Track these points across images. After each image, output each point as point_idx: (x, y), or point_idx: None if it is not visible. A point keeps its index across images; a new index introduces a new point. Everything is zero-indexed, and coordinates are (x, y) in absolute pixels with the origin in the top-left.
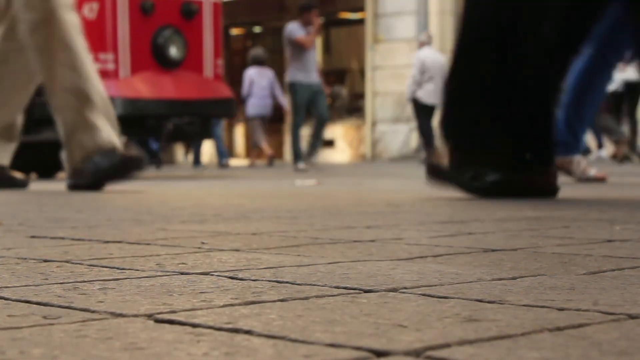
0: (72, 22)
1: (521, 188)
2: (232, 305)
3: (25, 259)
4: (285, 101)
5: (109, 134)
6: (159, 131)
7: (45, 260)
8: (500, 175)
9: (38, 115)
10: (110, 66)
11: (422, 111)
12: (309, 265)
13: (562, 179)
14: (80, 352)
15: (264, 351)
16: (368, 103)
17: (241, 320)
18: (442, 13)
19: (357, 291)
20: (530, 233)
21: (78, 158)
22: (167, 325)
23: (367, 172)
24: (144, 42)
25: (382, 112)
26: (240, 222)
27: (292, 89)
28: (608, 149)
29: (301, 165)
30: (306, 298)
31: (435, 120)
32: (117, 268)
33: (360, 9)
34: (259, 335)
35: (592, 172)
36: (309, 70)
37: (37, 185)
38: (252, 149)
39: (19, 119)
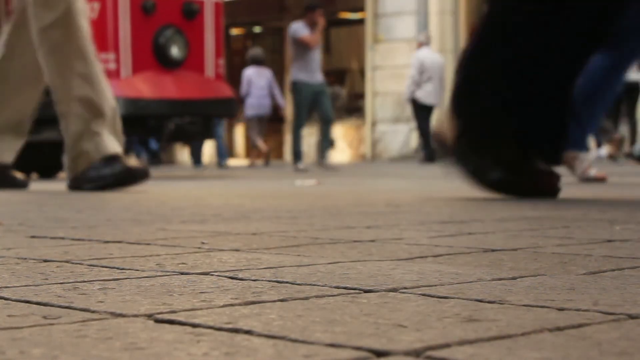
0: (86, 29)
1: (523, 190)
2: (232, 305)
3: (25, 259)
4: (283, 101)
5: (113, 144)
6: (160, 131)
7: (45, 260)
8: (503, 174)
9: (39, 115)
10: (112, 66)
11: (421, 111)
12: (309, 265)
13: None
14: (80, 352)
15: (264, 351)
16: (368, 103)
17: (241, 320)
18: (442, 13)
19: (357, 291)
20: (530, 233)
21: (81, 166)
22: (167, 325)
23: (367, 172)
24: (145, 41)
25: (382, 112)
26: (240, 222)
27: (295, 88)
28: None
29: (301, 165)
30: (306, 298)
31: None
32: (117, 268)
33: (360, 9)
34: (259, 335)
35: (593, 172)
36: (313, 70)
37: (37, 185)
38: (252, 149)
39: (29, 116)
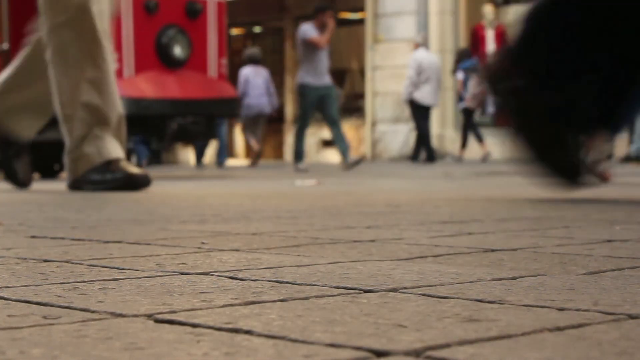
0: (102, 32)
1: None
2: (232, 305)
3: (25, 259)
4: (276, 101)
5: (116, 149)
6: (163, 131)
7: (45, 260)
8: (543, 161)
9: None
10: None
11: (420, 112)
12: (309, 265)
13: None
14: (80, 352)
15: (264, 351)
16: (368, 103)
17: (241, 320)
18: (442, 13)
19: (357, 291)
20: (530, 233)
21: (81, 168)
22: (167, 325)
23: (367, 172)
24: (148, 41)
25: (382, 112)
26: (241, 222)
27: (301, 91)
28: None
29: (301, 165)
30: (306, 298)
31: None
32: (117, 268)
33: (360, 9)
34: (259, 335)
35: (603, 167)
36: (320, 73)
37: (37, 185)
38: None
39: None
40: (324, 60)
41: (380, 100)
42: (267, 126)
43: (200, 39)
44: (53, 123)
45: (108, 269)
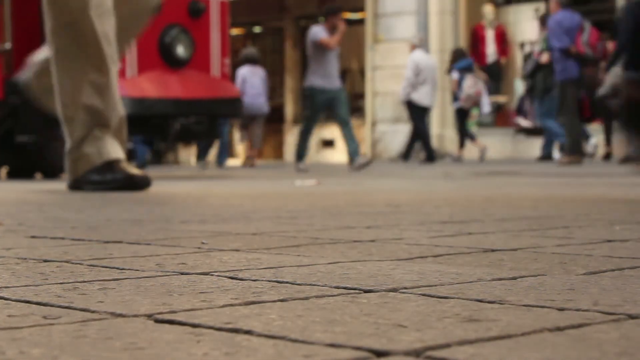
0: (106, 34)
1: None
2: (232, 305)
3: (25, 259)
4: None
5: (116, 150)
6: (165, 131)
7: (45, 260)
8: None
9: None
10: None
11: (418, 113)
12: (309, 265)
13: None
14: (80, 352)
15: (264, 351)
16: (368, 103)
17: (241, 320)
18: (442, 13)
19: (357, 291)
20: (530, 233)
21: (82, 169)
22: (167, 325)
23: (367, 172)
24: (150, 41)
25: (382, 112)
26: (241, 222)
27: (310, 94)
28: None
29: (302, 165)
30: (306, 298)
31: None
32: (117, 268)
33: (360, 9)
34: (259, 335)
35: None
36: (329, 76)
37: (37, 185)
38: (251, 149)
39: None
40: (333, 62)
41: (380, 100)
42: (267, 126)
43: (203, 38)
44: (57, 123)
45: (108, 269)
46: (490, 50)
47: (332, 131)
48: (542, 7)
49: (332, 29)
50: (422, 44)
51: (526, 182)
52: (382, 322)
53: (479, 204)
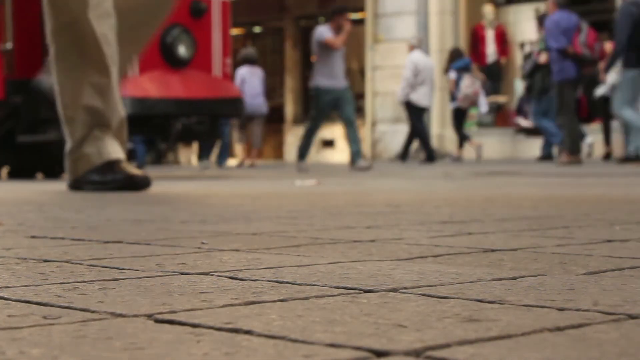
0: (105, 35)
1: None
2: (232, 305)
3: (25, 259)
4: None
5: (116, 150)
6: (167, 131)
7: (45, 260)
8: None
9: (45, 114)
10: None
11: (416, 113)
12: (309, 265)
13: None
14: (80, 352)
15: (264, 351)
16: (368, 103)
17: (241, 320)
18: (442, 13)
19: (357, 291)
20: (530, 233)
21: (82, 169)
22: (167, 325)
23: (367, 172)
24: (152, 41)
25: (382, 112)
26: (241, 222)
27: (315, 93)
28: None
29: (303, 165)
30: (306, 298)
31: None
32: (117, 268)
33: (360, 9)
34: (259, 335)
35: None
36: (335, 76)
37: (37, 185)
38: (252, 149)
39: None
40: (339, 62)
41: (380, 100)
42: (267, 126)
43: (205, 38)
44: (58, 123)
45: (108, 269)
46: (490, 50)
47: (332, 131)
48: (542, 7)
49: (337, 29)
50: (420, 44)
51: (526, 182)
52: (382, 322)
53: (479, 204)
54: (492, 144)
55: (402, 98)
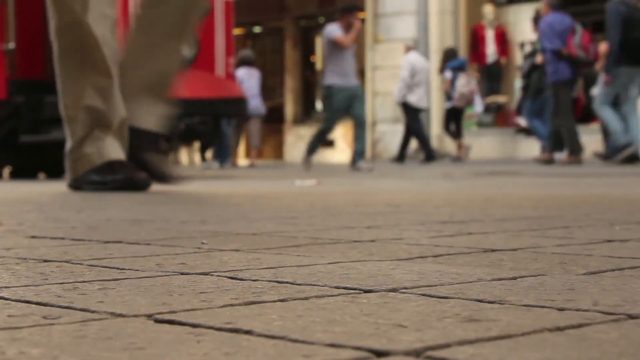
0: (105, 37)
1: None
2: (232, 305)
3: (25, 259)
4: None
5: (117, 150)
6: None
7: (45, 260)
8: None
9: (47, 114)
10: None
11: (414, 114)
12: (309, 265)
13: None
14: (80, 352)
15: (264, 351)
16: (368, 103)
17: (241, 320)
18: (442, 13)
19: (357, 291)
20: (530, 233)
21: (82, 169)
22: (167, 325)
23: (367, 173)
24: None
25: (382, 112)
26: (241, 222)
27: (329, 93)
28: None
29: (308, 161)
30: (306, 298)
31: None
32: (117, 268)
33: (361, 9)
34: (259, 335)
35: None
36: (347, 74)
37: (37, 186)
38: (252, 149)
39: (170, 77)
40: (350, 60)
41: (380, 101)
42: (267, 126)
43: (208, 38)
44: (61, 123)
45: (108, 269)
46: (490, 50)
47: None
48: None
49: (347, 27)
50: (416, 45)
51: (526, 182)
52: (382, 322)
53: (479, 204)
54: (492, 144)
55: (399, 99)
